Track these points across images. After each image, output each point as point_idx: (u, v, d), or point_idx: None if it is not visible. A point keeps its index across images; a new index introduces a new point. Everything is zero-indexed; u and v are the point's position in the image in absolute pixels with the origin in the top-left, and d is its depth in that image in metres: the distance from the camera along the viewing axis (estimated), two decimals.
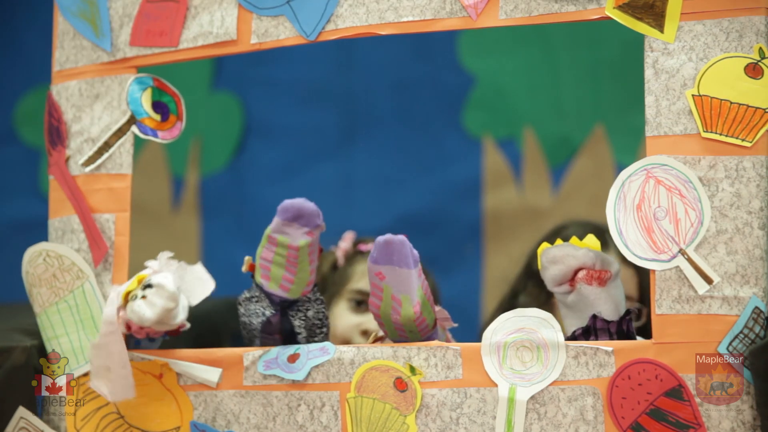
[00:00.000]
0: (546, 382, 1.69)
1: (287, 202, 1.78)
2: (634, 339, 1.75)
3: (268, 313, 1.81)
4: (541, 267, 1.75)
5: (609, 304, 1.73)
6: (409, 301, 1.74)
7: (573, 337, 1.75)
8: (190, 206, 3.19)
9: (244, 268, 1.83)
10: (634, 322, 2.14)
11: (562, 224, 2.37)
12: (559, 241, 1.75)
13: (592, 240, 1.75)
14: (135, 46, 1.93)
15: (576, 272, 1.73)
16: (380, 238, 1.73)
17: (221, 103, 3.17)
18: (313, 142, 3.11)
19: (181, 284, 1.80)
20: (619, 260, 2.16)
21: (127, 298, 1.80)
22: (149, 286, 1.78)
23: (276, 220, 1.78)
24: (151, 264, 1.82)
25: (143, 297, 1.78)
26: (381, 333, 1.88)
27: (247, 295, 1.85)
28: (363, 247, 2.29)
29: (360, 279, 2.21)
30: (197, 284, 1.83)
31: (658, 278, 1.66)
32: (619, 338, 1.73)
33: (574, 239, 1.75)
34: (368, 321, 2.12)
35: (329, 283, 2.29)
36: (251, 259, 1.82)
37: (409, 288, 1.73)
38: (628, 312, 1.74)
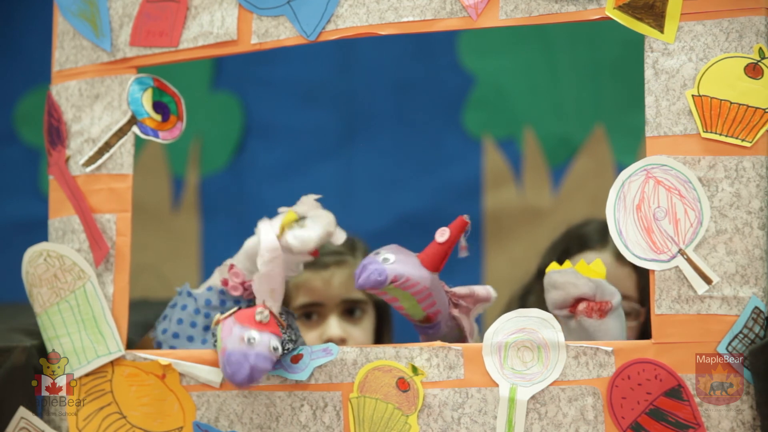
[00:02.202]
0: (546, 382, 1.69)
1: (229, 377, 1.71)
2: None
3: None
4: (544, 288, 1.76)
5: (609, 335, 1.73)
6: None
7: None
8: (190, 206, 3.19)
9: (213, 324, 1.81)
10: (631, 323, 2.15)
11: (583, 221, 2.37)
12: (566, 264, 1.75)
13: (598, 266, 1.75)
14: (135, 46, 1.93)
15: (576, 300, 1.73)
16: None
17: (221, 103, 3.17)
18: (313, 142, 3.11)
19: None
20: (615, 259, 2.16)
21: (284, 230, 1.84)
22: (303, 218, 1.85)
23: None
24: (295, 207, 1.88)
25: (302, 226, 1.84)
26: None
27: None
28: None
29: (297, 294, 2.16)
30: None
31: (658, 278, 1.67)
32: None
33: (580, 264, 1.75)
34: (327, 329, 2.11)
35: None
36: (221, 317, 1.79)
37: None
38: None
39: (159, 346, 2.00)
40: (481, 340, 1.97)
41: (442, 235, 1.80)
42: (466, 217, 1.81)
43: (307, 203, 1.87)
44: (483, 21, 1.76)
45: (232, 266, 1.88)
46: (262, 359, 1.70)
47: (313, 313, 2.13)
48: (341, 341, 2.05)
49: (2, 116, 3.22)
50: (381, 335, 2.27)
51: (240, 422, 1.81)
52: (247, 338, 1.71)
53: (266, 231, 1.84)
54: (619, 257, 2.20)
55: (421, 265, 1.78)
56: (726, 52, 1.66)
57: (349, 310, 2.11)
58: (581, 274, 1.74)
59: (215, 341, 1.79)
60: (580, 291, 1.73)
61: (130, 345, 1.91)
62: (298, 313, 2.14)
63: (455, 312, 1.85)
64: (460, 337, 1.87)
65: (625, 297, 2.19)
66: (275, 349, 1.72)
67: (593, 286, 1.73)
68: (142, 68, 1.94)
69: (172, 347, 1.99)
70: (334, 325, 2.09)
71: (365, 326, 2.10)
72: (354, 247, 2.17)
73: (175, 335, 1.96)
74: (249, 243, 1.92)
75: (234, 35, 1.88)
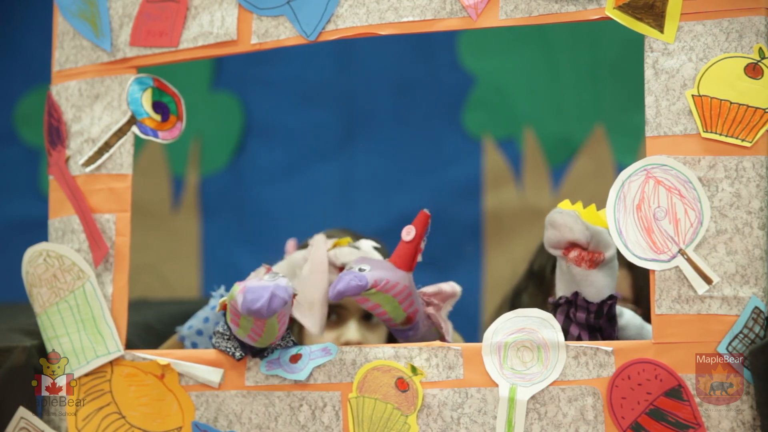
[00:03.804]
0: (546, 382, 1.69)
1: (248, 306, 1.68)
2: (615, 323, 1.77)
3: (237, 354, 1.81)
4: (544, 225, 1.76)
5: (593, 287, 1.74)
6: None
7: (557, 303, 1.78)
8: (190, 206, 3.19)
9: (217, 309, 1.81)
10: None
11: None
12: (577, 205, 1.75)
13: (604, 215, 1.74)
14: (135, 46, 1.93)
15: (570, 244, 1.73)
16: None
17: (221, 103, 3.18)
18: (313, 142, 3.12)
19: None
20: None
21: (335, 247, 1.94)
22: (357, 248, 1.95)
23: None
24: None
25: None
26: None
27: (220, 330, 1.83)
28: None
29: None
30: None
31: (658, 278, 1.67)
32: (596, 318, 1.74)
33: (589, 209, 1.74)
34: (345, 332, 2.12)
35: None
36: (226, 300, 1.78)
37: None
38: (611, 297, 1.75)
39: (182, 340, 2.02)
40: (462, 337, 1.97)
41: (408, 233, 1.84)
42: (426, 211, 1.84)
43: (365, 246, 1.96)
44: (483, 21, 1.76)
45: (269, 268, 1.88)
46: (282, 289, 1.70)
47: (332, 313, 2.15)
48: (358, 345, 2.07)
49: (2, 116, 3.22)
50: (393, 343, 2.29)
51: (239, 422, 1.81)
52: (265, 277, 1.73)
53: (318, 244, 1.92)
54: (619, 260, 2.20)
55: (395, 267, 1.81)
56: (726, 52, 1.66)
57: (367, 316, 2.12)
58: (581, 219, 1.73)
59: (225, 321, 1.79)
60: (575, 236, 1.72)
61: (130, 345, 1.91)
62: None
63: (430, 310, 1.87)
64: (438, 335, 1.88)
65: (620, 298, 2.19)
66: (292, 288, 1.73)
67: (588, 234, 1.72)
68: (142, 68, 1.94)
69: (194, 344, 2.00)
70: (353, 329, 2.10)
71: (380, 333, 2.12)
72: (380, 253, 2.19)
73: (199, 332, 1.97)
74: (296, 254, 1.96)
75: (234, 35, 1.88)
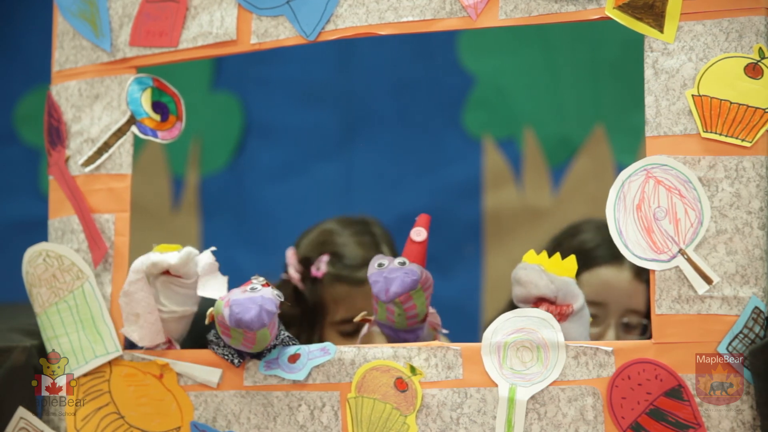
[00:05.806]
0: (546, 382, 1.69)
1: (236, 318, 1.68)
2: None
3: (236, 362, 1.80)
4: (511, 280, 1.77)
5: (566, 339, 1.72)
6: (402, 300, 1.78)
7: None
8: (190, 206, 3.20)
9: (207, 321, 1.80)
10: (639, 338, 2.16)
11: (577, 223, 2.37)
12: (541, 256, 1.75)
13: (571, 263, 1.74)
14: (135, 46, 1.93)
15: (538, 299, 1.73)
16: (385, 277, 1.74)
17: (221, 103, 3.18)
18: (313, 142, 3.12)
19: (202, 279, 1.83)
20: (634, 275, 2.17)
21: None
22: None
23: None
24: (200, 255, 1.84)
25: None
26: (371, 317, 1.90)
27: (214, 339, 1.82)
28: (315, 273, 2.24)
29: (336, 309, 2.19)
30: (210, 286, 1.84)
31: (658, 278, 1.67)
32: None
33: (553, 260, 1.74)
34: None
35: (304, 314, 2.26)
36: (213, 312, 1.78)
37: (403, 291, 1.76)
38: None
39: None
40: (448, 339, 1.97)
41: (419, 234, 1.84)
42: (424, 214, 1.86)
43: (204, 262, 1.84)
44: (483, 21, 1.76)
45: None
46: (269, 301, 1.70)
47: (348, 325, 2.16)
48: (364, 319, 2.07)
49: (2, 116, 3.23)
50: None
51: (237, 422, 1.81)
52: (250, 288, 1.73)
53: (143, 257, 1.83)
54: (638, 273, 2.20)
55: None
56: (726, 52, 1.66)
57: None
58: (545, 273, 1.73)
59: (216, 334, 1.79)
60: (540, 292, 1.72)
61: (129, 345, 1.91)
62: (335, 329, 2.17)
63: (430, 309, 1.87)
64: (432, 335, 1.89)
65: (634, 312, 2.20)
66: (278, 295, 1.73)
67: (554, 288, 1.72)
68: (142, 68, 1.94)
69: None
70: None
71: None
72: None
73: None
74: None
75: (233, 35, 1.88)
